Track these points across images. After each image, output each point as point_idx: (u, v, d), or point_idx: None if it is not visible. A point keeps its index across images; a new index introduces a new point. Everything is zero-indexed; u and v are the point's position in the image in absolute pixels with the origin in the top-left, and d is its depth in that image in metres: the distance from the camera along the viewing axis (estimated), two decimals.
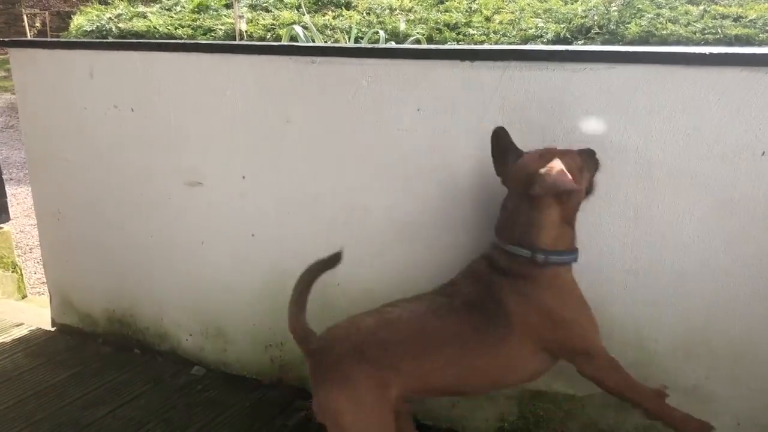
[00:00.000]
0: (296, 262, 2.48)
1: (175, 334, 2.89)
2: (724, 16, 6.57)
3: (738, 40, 6.06)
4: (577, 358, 1.83)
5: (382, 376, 1.74)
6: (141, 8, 9.14)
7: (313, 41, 6.18)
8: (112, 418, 2.48)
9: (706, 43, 6.07)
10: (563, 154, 1.77)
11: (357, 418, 1.73)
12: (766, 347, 1.92)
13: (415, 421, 2.25)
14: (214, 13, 8.68)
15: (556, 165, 1.69)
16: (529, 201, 1.75)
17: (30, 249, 4.96)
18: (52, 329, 3.22)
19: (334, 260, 1.92)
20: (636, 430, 2.13)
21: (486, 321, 1.77)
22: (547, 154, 1.77)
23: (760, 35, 6.11)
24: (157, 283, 2.85)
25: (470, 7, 7.89)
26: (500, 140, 1.86)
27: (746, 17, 6.47)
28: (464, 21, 7.56)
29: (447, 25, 7.52)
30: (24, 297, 3.78)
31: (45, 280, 3.31)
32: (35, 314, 3.43)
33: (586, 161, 1.84)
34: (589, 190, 1.87)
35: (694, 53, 1.80)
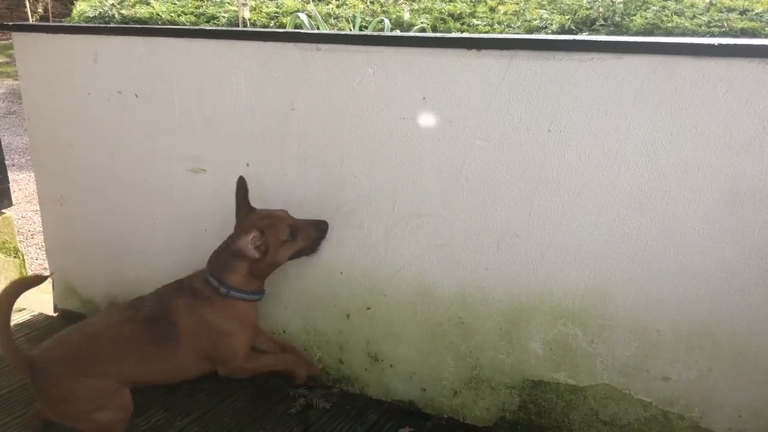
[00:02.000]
0: None
1: None
2: (730, 9, 6.53)
3: (744, 33, 6.03)
4: (219, 364, 2.39)
5: (98, 382, 2.17)
6: None
7: (318, 29, 6.15)
8: None
9: (712, 35, 6.04)
10: (272, 225, 2.27)
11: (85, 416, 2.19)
12: (767, 340, 1.92)
13: (414, 408, 2.27)
14: (218, 0, 8.64)
15: (249, 236, 2.21)
16: (233, 248, 2.26)
17: (32, 235, 4.96)
18: (55, 314, 3.23)
19: (35, 280, 2.29)
20: (637, 422, 2.13)
21: (160, 334, 2.27)
22: (263, 220, 2.28)
23: (767, 28, 6.08)
24: (159, 269, 2.85)
25: None
26: (239, 190, 2.35)
27: (752, 10, 6.43)
28: (469, 11, 7.52)
29: (451, 15, 7.49)
30: None
31: (47, 266, 3.31)
32: (37, 300, 3.42)
33: (305, 233, 2.33)
34: (302, 253, 2.36)
35: (703, 44, 1.79)
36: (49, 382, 2.15)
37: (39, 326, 3.08)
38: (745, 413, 2.00)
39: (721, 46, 1.76)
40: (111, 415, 2.20)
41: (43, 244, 3.23)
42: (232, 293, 2.30)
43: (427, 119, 2.13)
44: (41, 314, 3.21)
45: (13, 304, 2.16)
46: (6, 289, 2.15)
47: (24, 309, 3.24)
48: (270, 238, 2.25)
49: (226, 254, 2.31)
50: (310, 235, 2.34)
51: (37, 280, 2.28)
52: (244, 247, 2.22)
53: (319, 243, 2.38)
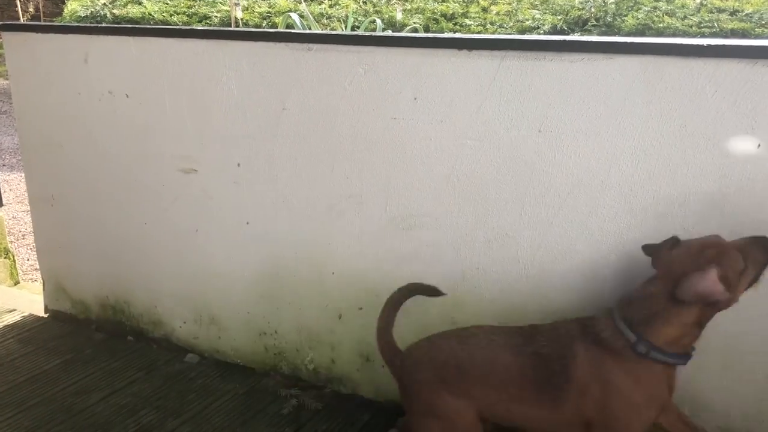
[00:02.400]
0: (291, 250, 2.50)
1: (169, 322, 2.88)
2: (720, 10, 6.57)
3: (734, 34, 6.07)
4: None
5: (459, 401, 1.87)
6: None
7: (310, 29, 6.15)
8: (105, 404, 2.48)
9: (702, 36, 6.07)
10: (724, 254, 1.68)
11: None
12: (758, 340, 1.93)
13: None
14: (210, 0, 8.62)
15: (711, 275, 1.62)
16: (670, 294, 1.69)
17: (23, 235, 4.94)
18: (45, 315, 3.21)
19: (431, 291, 2.06)
20: None
21: (546, 376, 1.79)
22: (708, 251, 1.69)
23: (756, 29, 6.12)
24: (151, 270, 2.85)
25: None
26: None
27: (742, 11, 6.47)
28: (461, 11, 7.54)
29: (444, 16, 7.50)
30: (17, 283, 3.77)
31: (38, 267, 3.30)
32: (28, 300, 3.42)
33: (751, 256, 1.71)
34: (751, 283, 1.74)
35: (692, 45, 1.80)
36: (410, 385, 1.96)
37: (30, 327, 3.07)
38: (733, 412, 2.01)
39: (710, 46, 1.77)
40: None
41: (34, 244, 3.22)
42: (653, 354, 1.71)
43: (418, 119, 2.14)
44: (32, 315, 3.20)
45: (403, 302, 2.04)
46: (403, 287, 2.05)
47: (14, 310, 3.23)
48: (729, 273, 1.67)
49: (657, 300, 1.72)
50: (757, 258, 1.73)
51: (432, 290, 2.06)
52: (712, 288, 1.63)
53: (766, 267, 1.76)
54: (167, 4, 8.62)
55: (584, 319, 1.85)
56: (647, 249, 1.86)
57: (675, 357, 1.73)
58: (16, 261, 3.90)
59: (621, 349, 1.73)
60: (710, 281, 1.62)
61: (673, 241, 1.78)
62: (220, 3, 8.45)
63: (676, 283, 1.67)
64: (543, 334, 1.87)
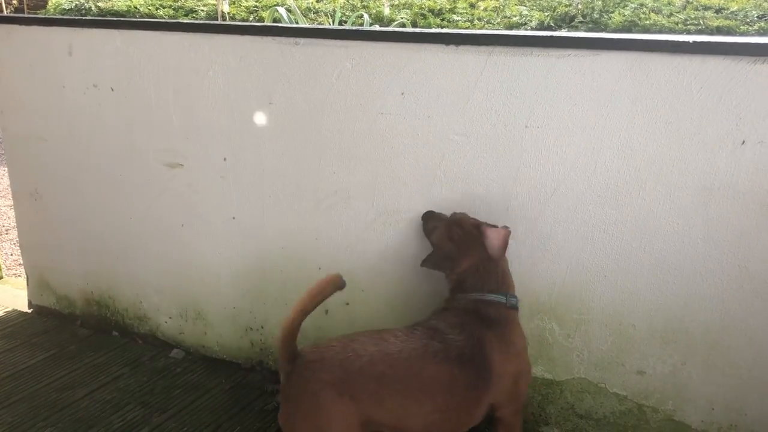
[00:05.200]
0: (277, 245, 2.49)
1: (155, 317, 2.87)
2: (706, 8, 6.61)
3: (719, 31, 6.10)
4: (506, 407, 1.90)
5: (358, 410, 1.72)
6: None
7: (297, 23, 6.12)
8: (90, 400, 2.46)
9: (689, 33, 6.10)
10: (467, 218, 2.00)
11: None
12: (741, 334, 1.95)
13: None
14: None
15: (498, 230, 1.91)
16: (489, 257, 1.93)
17: (6, 230, 4.88)
18: (29, 311, 3.19)
19: (340, 285, 1.85)
20: (613, 415, 2.16)
21: (475, 378, 1.80)
22: (470, 219, 2.01)
23: (741, 27, 6.16)
24: (136, 265, 2.83)
25: None
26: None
27: (728, 9, 6.51)
28: (449, 7, 7.53)
29: (431, 11, 7.49)
30: (0, 278, 3.73)
31: (21, 262, 3.26)
32: (11, 296, 3.39)
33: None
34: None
35: (678, 41, 1.81)
36: (306, 386, 1.74)
37: (14, 323, 3.05)
38: (717, 406, 2.03)
39: (696, 43, 1.78)
40: None
41: (18, 239, 3.19)
42: (517, 301, 1.95)
43: (405, 114, 2.13)
44: (15, 310, 3.17)
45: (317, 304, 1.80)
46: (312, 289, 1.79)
47: None
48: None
49: (486, 262, 1.93)
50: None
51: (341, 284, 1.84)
52: (502, 244, 1.91)
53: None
54: None
55: (459, 305, 1.93)
56: (426, 215, 2.13)
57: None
58: (0, 256, 3.85)
59: (507, 314, 1.89)
60: (502, 237, 1.90)
61: (438, 215, 2.08)
62: None
63: (477, 247, 1.93)
64: (448, 332, 1.85)
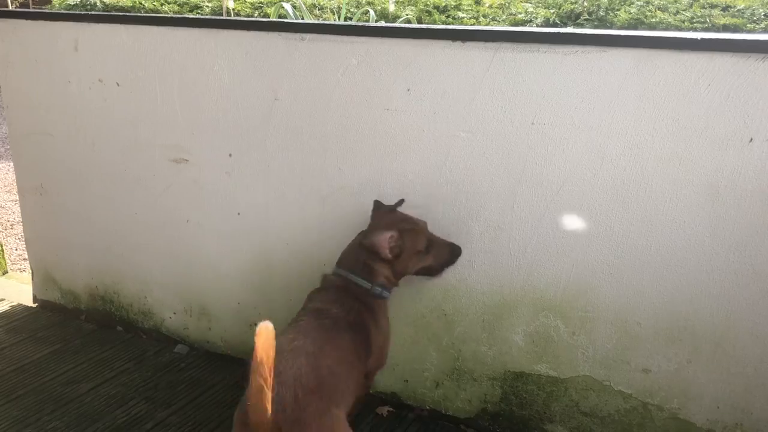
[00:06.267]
0: (282, 241, 2.49)
1: (159, 312, 2.87)
2: (712, 6, 6.58)
3: (726, 29, 6.08)
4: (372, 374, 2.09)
5: (339, 409, 1.70)
6: None
7: (303, 20, 6.11)
8: (94, 394, 2.47)
9: (695, 31, 6.08)
10: (412, 232, 2.04)
11: None
12: (747, 333, 1.94)
13: (396, 399, 2.26)
14: None
15: (387, 235, 1.97)
16: (366, 243, 2.02)
17: (11, 225, 4.89)
18: (34, 305, 3.19)
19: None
20: (617, 413, 2.15)
21: (365, 343, 1.95)
22: (403, 223, 2.05)
23: (748, 25, 6.13)
24: (141, 260, 2.83)
25: None
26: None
27: (735, 7, 6.49)
28: (454, 4, 7.51)
29: (437, 8, 7.47)
30: (5, 273, 3.74)
31: (26, 257, 3.27)
32: (16, 290, 3.40)
33: (439, 251, 2.10)
34: (428, 272, 2.12)
35: (686, 38, 1.80)
36: (305, 420, 1.61)
37: (18, 317, 3.05)
38: (722, 405, 2.03)
39: (703, 40, 1.77)
40: None
41: (23, 234, 3.19)
42: (384, 293, 2.04)
43: (411, 111, 2.13)
44: (20, 305, 3.18)
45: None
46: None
47: (3, 300, 3.21)
48: (407, 243, 2.03)
49: (361, 252, 2.04)
50: (442, 255, 2.11)
51: None
52: (378, 244, 1.98)
53: (447, 268, 2.15)
54: None
55: (328, 282, 2.07)
56: (376, 204, 2.17)
57: (389, 292, 2.06)
58: (5, 251, 3.87)
59: (366, 296, 2.01)
60: (381, 239, 1.97)
61: (388, 208, 2.14)
62: None
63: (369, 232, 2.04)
64: (333, 309, 1.95)
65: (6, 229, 4.84)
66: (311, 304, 2.01)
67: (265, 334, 1.51)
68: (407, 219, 2.09)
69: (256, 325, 1.50)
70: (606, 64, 1.86)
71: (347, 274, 2.04)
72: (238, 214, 2.53)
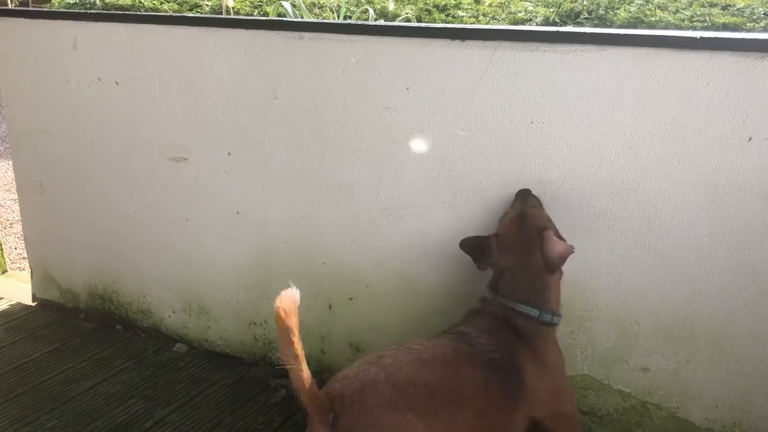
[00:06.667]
0: (281, 240, 2.49)
1: (158, 311, 2.87)
2: (712, 4, 6.59)
3: (726, 28, 6.08)
4: (556, 422, 1.83)
5: (420, 424, 1.56)
6: None
7: (302, 18, 6.11)
8: (93, 393, 2.47)
9: (694, 30, 6.08)
10: (541, 216, 1.89)
11: None
12: (746, 332, 1.94)
13: None
14: None
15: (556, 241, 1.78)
16: (542, 265, 1.80)
17: (10, 224, 4.89)
18: (33, 304, 3.19)
19: None
20: (616, 412, 2.15)
21: (508, 385, 1.71)
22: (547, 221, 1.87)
23: (748, 24, 6.13)
24: (140, 259, 2.83)
25: None
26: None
27: (734, 6, 6.49)
28: (454, 2, 7.51)
29: (436, 6, 7.47)
30: (4, 272, 3.73)
31: (26, 255, 3.27)
32: (16, 289, 3.39)
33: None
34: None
35: (685, 37, 1.80)
36: (363, 413, 1.53)
37: (18, 316, 3.05)
38: (721, 404, 2.03)
39: (702, 39, 1.77)
40: None
41: (22, 233, 3.19)
42: (555, 319, 1.81)
43: (410, 110, 2.13)
44: (19, 304, 3.18)
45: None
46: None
47: (2, 298, 3.21)
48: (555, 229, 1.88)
49: (531, 269, 1.81)
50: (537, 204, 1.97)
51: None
52: (565, 257, 1.77)
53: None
54: None
55: (490, 309, 1.84)
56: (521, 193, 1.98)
57: (560, 316, 1.85)
58: (4, 249, 3.86)
59: (533, 327, 1.78)
60: (566, 252, 1.77)
61: (535, 199, 1.95)
62: None
63: (533, 254, 1.80)
64: (476, 336, 1.77)
65: (5, 228, 4.84)
66: (462, 326, 1.83)
67: (287, 301, 1.59)
68: (535, 211, 1.89)
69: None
70: (605, 63, 1.86)
71: (511, 303, 1.80)
72: (237, 212, 2.53)
